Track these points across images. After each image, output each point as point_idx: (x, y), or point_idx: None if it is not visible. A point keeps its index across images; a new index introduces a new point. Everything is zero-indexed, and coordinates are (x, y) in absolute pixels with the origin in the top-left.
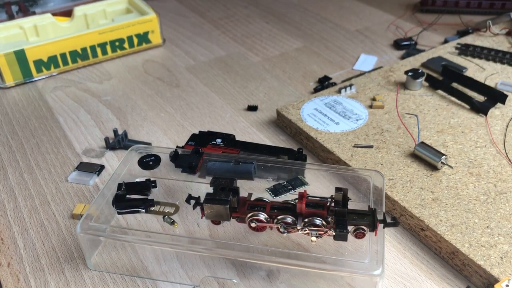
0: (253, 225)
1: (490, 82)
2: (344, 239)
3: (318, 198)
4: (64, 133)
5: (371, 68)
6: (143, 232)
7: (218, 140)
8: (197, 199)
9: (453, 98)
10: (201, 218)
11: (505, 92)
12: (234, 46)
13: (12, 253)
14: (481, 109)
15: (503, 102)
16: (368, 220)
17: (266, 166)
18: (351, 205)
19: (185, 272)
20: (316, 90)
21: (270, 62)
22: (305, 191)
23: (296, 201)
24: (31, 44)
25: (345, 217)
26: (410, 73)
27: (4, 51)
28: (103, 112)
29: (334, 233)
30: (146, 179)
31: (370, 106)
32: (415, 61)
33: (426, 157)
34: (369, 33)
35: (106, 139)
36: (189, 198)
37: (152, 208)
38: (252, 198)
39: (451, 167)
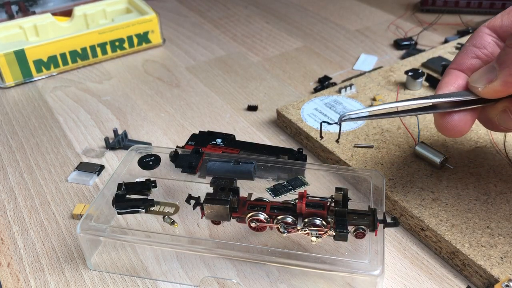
0: (253, 225)
1: None
2: (344, 239)
3: (318, 198)
4: (64, 133)
5: (371, 68)
6: (143, 232)
7: (218, 140)
8: (197, 199)
9: None
10: (201, 218)
11: None
12: (234, 46)
13: (12, 253)
14: None
15: None
16: (368, 220)
17: (266, 166)
18: (351, 205)
19: (185, 272)
20: (316, 90)
21: (270, 62)
22: (305, 191)
23: (296, 201)
24: (31, 44)
25: (345, 217)
26: (410, 73)
27: (4, 51)
28: (103, 112)
29: (334, 233)
30: (146, 179)
31: (370, 106)
32: (415, 61)
33: (426, 157)
34: (369, 33)
35: (106, 139)
36: (189, 198)
37: (152, 208)
38: (252, 198)
39: (451, 167)
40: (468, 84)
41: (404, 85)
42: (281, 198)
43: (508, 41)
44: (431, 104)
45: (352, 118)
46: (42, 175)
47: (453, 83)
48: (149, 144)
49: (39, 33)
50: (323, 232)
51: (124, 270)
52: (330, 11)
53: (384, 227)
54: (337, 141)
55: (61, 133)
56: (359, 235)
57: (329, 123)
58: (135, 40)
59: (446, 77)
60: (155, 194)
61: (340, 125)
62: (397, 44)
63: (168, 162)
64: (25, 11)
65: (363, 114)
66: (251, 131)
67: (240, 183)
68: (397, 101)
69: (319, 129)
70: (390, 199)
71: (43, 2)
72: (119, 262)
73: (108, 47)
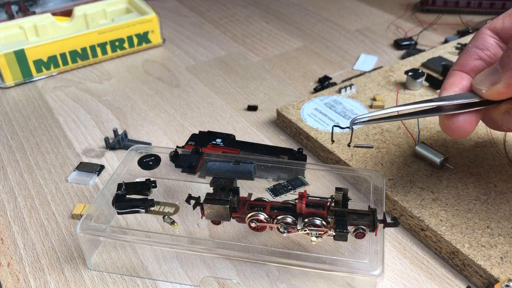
0: (253, 225)
1: None
2: (344, 239)
3: (318, 198)
4: (64, 133)
5: (371, 68)
6: (143, 232)
7: (218, 140)
8: (197, 199)
9: None
10: (201, 218)
11: None
12: (234, 46)
13: (12, 253)
14: None
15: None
16: (368, 220)
17: (266, 166)
18: (351, 205)
19: (185, 272)
20: (316, 90)
21: (270, 62)
22: (305, 191)
23: (296, 201)
24: (31, 44)
25: (345, 217)
26: (410, 73)
27: (4, 51)
28: (103, 112)
29: (334, 233)
30: (146, 179)
31: (370, 106)
32: (415, 61)
33: (426, 157)
34: (369, 33)
35: (106, 139)
36: (189, 198)
37: (152, 208)
38: (252, 198)
39: (451, 167)
40: (472, 86)
41: (404, 85)
42: (281, 198)
43: (511, 43)
44: (436, 106)
45: (363, 122)
46: (42, 175)
47: (458, 84)
48: (149, 144)
49: (39, 33)
50: (323, 232)
51: (124, 270)
52: (330, 11)
53: (384, 227)
54: (348, 145)
55: (61, 133)
56: (359, 235)
57: (341, 127)
58: (135, 40)
59: (450, 78)
60: (155, 194)
61: (352, 129)
62: (397, 44)
63: (168, 162)
64: (25, 11)
65: (374, 117)
66: (251, 131)
67: (240, 183)
68: (407, 104)
69: (330, 132)
70: (390, 199)
71: (43, 2)
72: (119, 262)
73: (108, 47)
